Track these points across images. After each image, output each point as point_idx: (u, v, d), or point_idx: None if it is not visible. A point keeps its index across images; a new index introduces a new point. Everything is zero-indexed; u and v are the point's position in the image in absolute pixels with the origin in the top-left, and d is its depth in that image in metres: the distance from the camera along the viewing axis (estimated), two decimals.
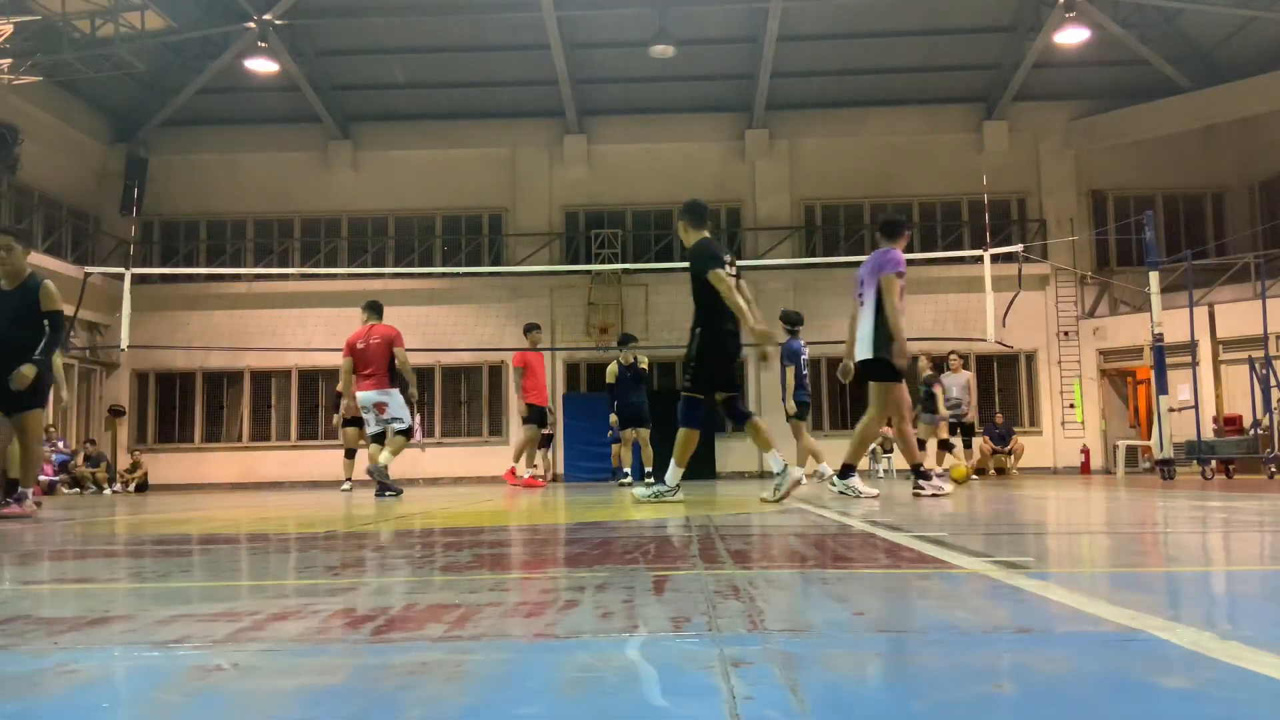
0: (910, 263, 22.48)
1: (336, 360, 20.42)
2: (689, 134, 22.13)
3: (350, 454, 13.24)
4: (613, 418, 12.86)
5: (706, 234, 6.90)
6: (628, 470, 12.82)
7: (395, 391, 9.92)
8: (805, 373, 11.28)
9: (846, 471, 6.98)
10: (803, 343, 11.36)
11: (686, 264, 6.88)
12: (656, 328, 20.21)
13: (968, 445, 14.01)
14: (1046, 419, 21.00)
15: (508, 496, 9.27)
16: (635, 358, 12.68)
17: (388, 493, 9.33)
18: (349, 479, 12.95)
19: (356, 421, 13.00)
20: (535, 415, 12.63)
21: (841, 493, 6.93)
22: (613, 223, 21.74)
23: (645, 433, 12.49)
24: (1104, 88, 21.42)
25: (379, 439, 10.16)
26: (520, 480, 12.55)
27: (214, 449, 21.71)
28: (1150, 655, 1.36)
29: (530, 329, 13.12)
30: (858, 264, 7.45)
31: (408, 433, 9.98)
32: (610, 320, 20.66)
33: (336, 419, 13.81)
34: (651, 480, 12.99)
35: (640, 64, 20.54)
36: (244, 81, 20.81)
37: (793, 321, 11.35)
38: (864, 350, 6.89)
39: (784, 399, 11.43)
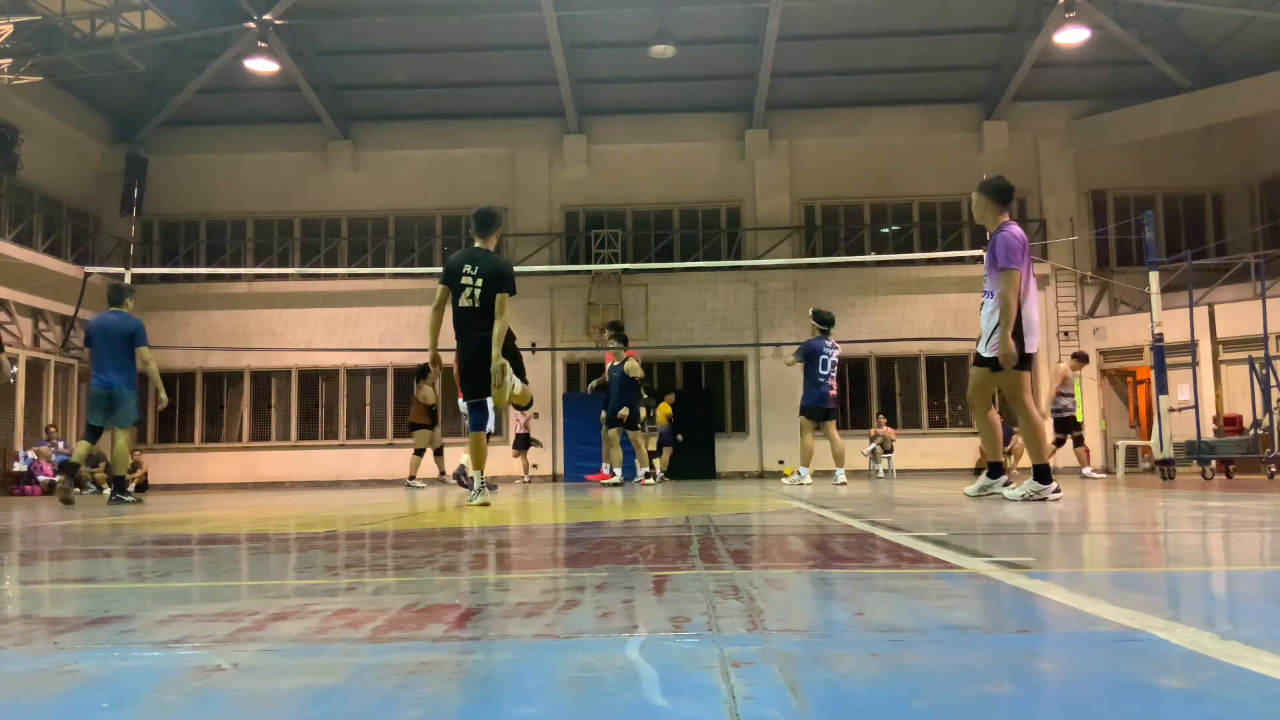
0: (910, 263, 22.64)
1: (335, 360, 20.82)
2: (689, 134, 22.13)
3: (419, 452, 14.25)
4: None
5: (487, 245, 6.90)
6: (617, 470, 12.85)
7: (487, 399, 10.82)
8: (825, 373, 10.90)
9: (1042, 474, 6.08)
10: (829, 343, 11.01)
11: (684, 265, 6.89)
12: (656, 327, 20.22)
13: (1061, 443, 13.96)
14: (1046, 419, 20.98)
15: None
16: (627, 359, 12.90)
17: (463, 481, 10.77)
18: (413, 475, 14.09)
19: (426, 425, 14.39)
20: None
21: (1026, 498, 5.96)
22: (613, 223, 21.74)
23: (636, 434, 12.92)
24: (1104, 88, 21.42)
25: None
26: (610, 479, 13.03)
27: (214, 449, 21.72)
28: (1150, 655, 1.36)
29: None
30: (858, 264, 7.31)
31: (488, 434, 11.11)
32: (610, 320, 20.71)
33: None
34: (651, 480, 13.03)
35: (640, 64, 20.54)
36: (244, 81, 20.82)
37: (820, 320, 11.16)
38: (1038, 341, 6.25)
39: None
